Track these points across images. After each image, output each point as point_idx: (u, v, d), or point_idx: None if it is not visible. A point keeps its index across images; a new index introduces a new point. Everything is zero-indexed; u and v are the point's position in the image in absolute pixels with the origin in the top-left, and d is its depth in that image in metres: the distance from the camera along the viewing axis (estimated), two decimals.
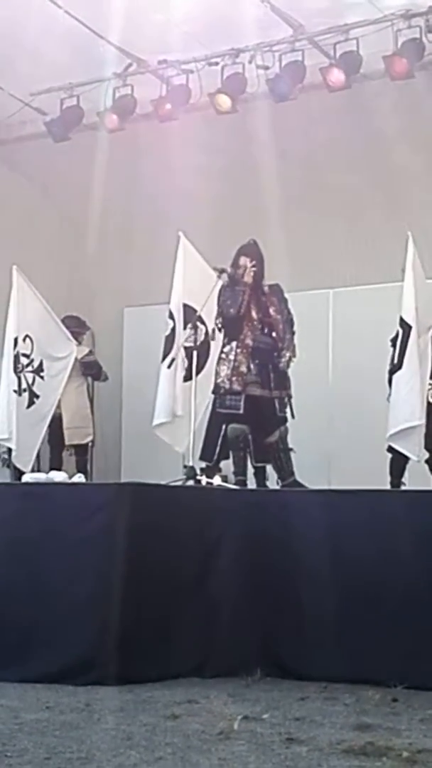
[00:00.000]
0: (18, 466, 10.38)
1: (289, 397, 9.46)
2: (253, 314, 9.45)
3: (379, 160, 11.40)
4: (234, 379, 9.30)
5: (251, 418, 9.36)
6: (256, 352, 9.41)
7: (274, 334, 9.43)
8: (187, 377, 9.54)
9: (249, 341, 9.40)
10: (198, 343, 9.53)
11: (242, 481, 9.30)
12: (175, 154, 11.87)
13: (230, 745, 5.31)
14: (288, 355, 9.39)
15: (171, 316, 9.73)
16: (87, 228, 12.62)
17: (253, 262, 9.51)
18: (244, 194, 11.83)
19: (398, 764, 4.93)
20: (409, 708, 6.38)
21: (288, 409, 9.45)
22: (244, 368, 9.33)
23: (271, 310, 9.48)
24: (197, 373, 9.50)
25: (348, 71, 10.77)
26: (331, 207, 11.94)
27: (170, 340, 9.68)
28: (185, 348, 9.50)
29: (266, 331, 9.46)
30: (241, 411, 9.31)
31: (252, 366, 9.39)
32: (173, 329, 9.66)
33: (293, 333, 9.53)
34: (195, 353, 9.46)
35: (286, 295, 9.62)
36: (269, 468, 9.66)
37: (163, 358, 9.73)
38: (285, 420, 9.44)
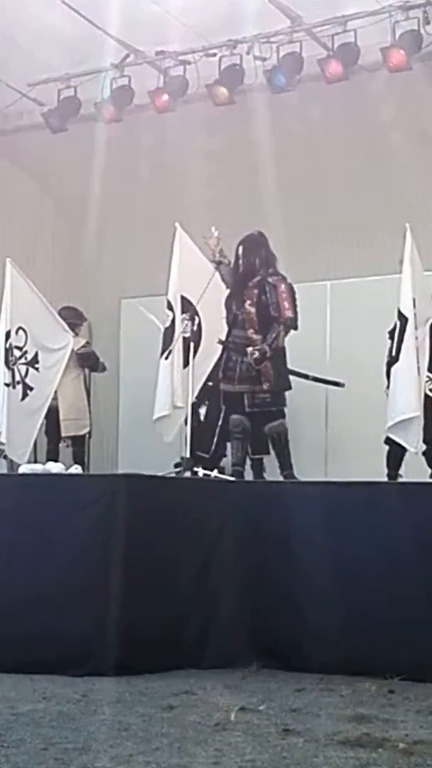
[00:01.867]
0: (12, 458, 10.37)
1: (262, 389, 9.22)
2: (234, 309, 9.43)
3: (377, 152, 11.39)
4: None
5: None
6: (230, 346, 9.38)
7: (250, 331, 9.32)
8: (185, 366, 9.53)
9: (224, 336, 9.42)
10: (191, 333, 9.51)
11: (240, 472, 9.28)
12: (172, 144, 11.87)
13: (227, 736, 5.31)
14: (256, 352, 9.12)
15: (170, 307, 9.70)
16: (84, 219, 12.59)
17: (244, 254, 9.44)
18: (241, 184, 11.81)
19: (394, 755, 4.94)
20: (406, 699, 6.38)
21: (265, 404, 9.30)
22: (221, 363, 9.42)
23: (246, 304, 9.36)
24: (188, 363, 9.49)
25: (346, 63, 10.75)
26: (328, 199, 11.92)
27: (170, 332, 9.65)
28: (183, 339, 9.49)
29: (240, 326, 9.36)
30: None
31: (222, 361, 9.39)
32: (173, 321, 9.63)
33: (281, 324, 9.29)
34: (191, 344, 9.45)
35: (294, 287, 9.49)
36: (266, 460, 9.67)
37: (163, 351, 9.68)
38: (275, 415, 9.36)
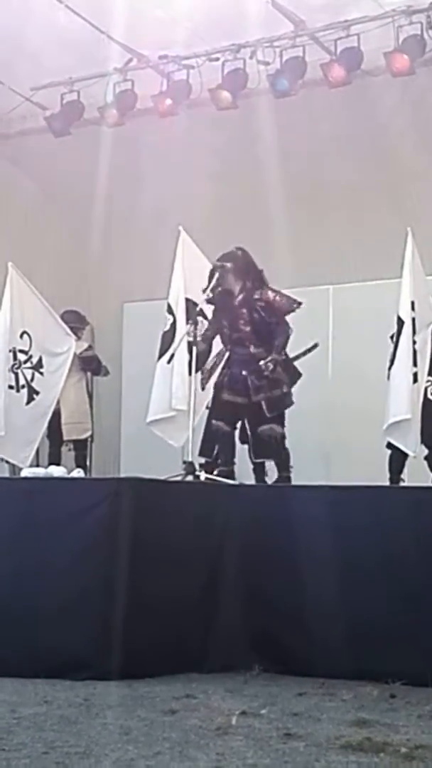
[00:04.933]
0: (11, 461, 10.37)
1: (282, 392, 9.47)
2: (227, 328, 9.49)
3: (380, 156, 11.41)
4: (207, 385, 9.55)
5: (234, 420, 9.51)
6: (233, 363, 9.48)
7: (251, 347, 9.45)
8: (189, 371, 9.53)
9: (225, 353, 9.53)
10: (199, 337, 9.50)
11: (229, 471, 9.37)
12: (176, 149, 11.89)
13: (228, 741, 5.30)
14: (269, 364, 9.29)
15: (170, 311, 9.70)
16: (87, 223, 12.61)
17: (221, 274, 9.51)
18: (244, 189, 11.83)
19: (396, 760, 4.93)
20: (407, 704, 6.37)
21: (284, 405, 9.50)
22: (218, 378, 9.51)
23: (240, 324, 9.50)
24: (200, 367, 9.49)
25: (349, 67, 10.79)
26: (331, 203, 11.94)
27: (169, 335, 9.65)
28: (187, 342, 9.49)
29: (240, 344, 9.51)
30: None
31: (226, 377, 9.49)
32: (173, 324, 9.63)
33: (281, 337, 9.48)
34: (195, 348, 9.44)
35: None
36: (268, 464, 9.68)
37: (161, 355, 9.69)
38: (271, 419, 9.47)
